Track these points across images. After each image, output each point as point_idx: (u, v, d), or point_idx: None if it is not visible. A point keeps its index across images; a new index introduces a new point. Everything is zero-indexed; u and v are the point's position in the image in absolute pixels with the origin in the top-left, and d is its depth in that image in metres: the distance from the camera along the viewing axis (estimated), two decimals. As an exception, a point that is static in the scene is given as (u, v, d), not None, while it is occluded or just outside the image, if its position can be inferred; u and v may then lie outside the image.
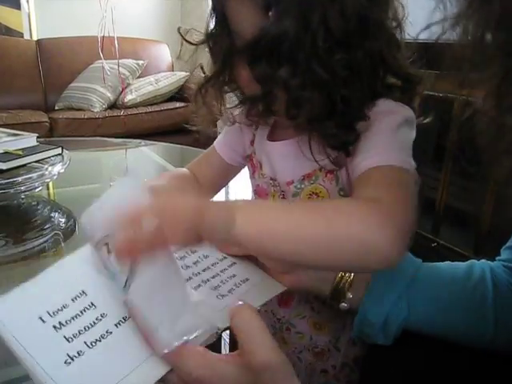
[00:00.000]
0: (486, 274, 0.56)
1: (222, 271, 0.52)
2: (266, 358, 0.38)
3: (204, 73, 0.63)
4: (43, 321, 0.42)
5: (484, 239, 1.51)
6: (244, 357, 0.38)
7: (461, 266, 0.59)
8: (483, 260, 0.59)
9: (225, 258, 0.54)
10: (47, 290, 0.45)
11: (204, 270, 0.51)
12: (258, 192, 0.68)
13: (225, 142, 0.73)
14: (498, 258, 0.59)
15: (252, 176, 0.70)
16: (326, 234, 0.41)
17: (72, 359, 0.39)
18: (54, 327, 0.41)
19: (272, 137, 0.65)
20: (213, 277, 0.51)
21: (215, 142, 0.74)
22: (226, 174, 0.74)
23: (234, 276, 0.52)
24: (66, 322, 0.42)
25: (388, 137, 0.52)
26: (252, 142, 0.69)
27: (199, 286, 0.49)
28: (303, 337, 0.67)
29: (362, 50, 0.50)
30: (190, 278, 0.49)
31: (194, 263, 0.52)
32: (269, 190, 0.65)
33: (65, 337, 0.41)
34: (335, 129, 0.51)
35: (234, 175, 0.75)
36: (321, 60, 0.48)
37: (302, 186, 0.60)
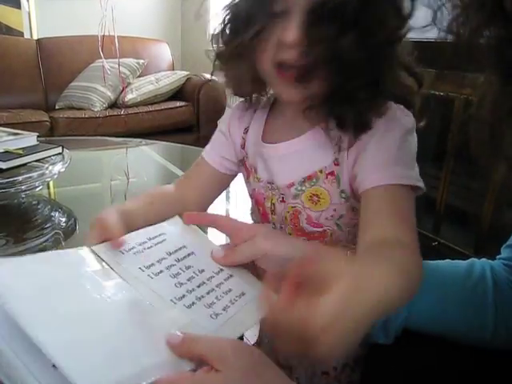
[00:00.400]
0: (486, 272, 0.56)
1: (217, 286, 0.52)
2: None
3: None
4: None
5: (484, 238, 1.51)
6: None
7: (461, 264, 0.59)
8: (484, 259, 0.59)
9: (221, 270, 0.54)
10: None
11: (199, 286, 0.51)
12: (254, 196, 0.67)
13: (213, 150, 0.71)
14: (498, 256, 0.59)
15: (247, 180, 0.69)
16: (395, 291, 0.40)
17: None
18: None
19: (267, 139, 0.65)
20: (207, 292, 0.50)
21: (203, 152, 0.72)
22: (218, 184, 0.71)
23: (230, 291, 0.51)
24: None
25: (394, 151, 0.53)
26: (242, 146, 0.68)
27: (193, 303, 0.48)
28: None
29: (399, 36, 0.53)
30: (184, 296, 0.49)
31: (189, 279, 0.51)
32: (266, 194, 0.64)
33: None
34: (363, 104, 0.53)
35: (227, 184, 0.73)
36: (375, 29, 0.49)
37: (303, 187, 0.60)
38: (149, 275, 0.50)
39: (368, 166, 0.54)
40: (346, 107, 0.53)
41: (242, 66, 0.58)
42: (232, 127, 0.69)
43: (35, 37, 3.42)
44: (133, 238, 0.54)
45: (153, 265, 0.51)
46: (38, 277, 0.44)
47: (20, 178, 1.20)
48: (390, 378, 0.56)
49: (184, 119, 3.13)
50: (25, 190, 1.23)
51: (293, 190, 0.61)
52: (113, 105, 3.10)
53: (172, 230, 0.58)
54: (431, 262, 0.58)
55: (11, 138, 1.39)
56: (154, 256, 0.53)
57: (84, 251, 0.51)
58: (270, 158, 0.63)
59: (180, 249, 0.55)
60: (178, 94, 3.25)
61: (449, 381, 0.54)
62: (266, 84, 0.63)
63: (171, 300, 0.48)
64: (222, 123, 0.71)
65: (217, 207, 0.75)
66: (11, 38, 3.25)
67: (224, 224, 0.59)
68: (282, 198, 0.62)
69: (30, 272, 0.45)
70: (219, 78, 0.65)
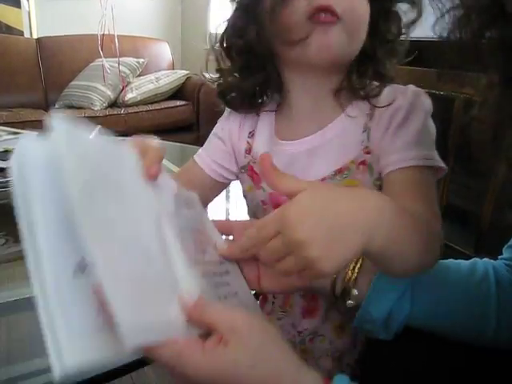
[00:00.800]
0: (489, 271, 0.56)
1: (220, 274, 0.50)
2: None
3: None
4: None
5: (485, 237, 1.51)
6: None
7: (464, 263, 0.59)
8: (486, 259, 0.59)
9: (222, 263, 0.52)
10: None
11: (208, 264, 0.49)
12: (271, 201, 0.63)
13: (208, 155, 0.68)
14: (500, 256, 0.59)
15: (256, 187, 0.65)
16: (422, 241, 0.46)
17: None
18: None
19: (283, 137, 0.63)
20: (214, 274, 0.49)
21: (195, 156, 0.69)
22: (209, 189, 0.68)
23: (228, 285, 0.50)
24: None
25: (418, 133, 0.55)
26: (248, 151, 0.65)
27: (203, 276, 0.46)
28: (324, 339, 0.64)
29: None
30: (199, 264, 0.47)
31: (201, 252, 0.50)
32: None
33: None
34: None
35: (218, 193, 0.70)
36: None
37: (334, 181, 0.58)
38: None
39: (393, 148, 0.55)
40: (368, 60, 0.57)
41: (253, 56, 0.59)
42: (232, 134, 0.67)
43: (35, 36, 3.42)
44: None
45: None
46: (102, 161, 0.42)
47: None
48: (390, 374, 0.56)
49: (184, 118, 3.13)
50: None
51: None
52: (113, 104, 3.10)
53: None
54: None
55: (11, 137, 1.39)
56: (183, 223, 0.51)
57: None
58: (293, 155, 0.61)
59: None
60: (177, 93, 3.25)
61: (448, 378, 0.54)
62: (271, 83, 0.62)
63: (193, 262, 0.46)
64: (219, 129, 0.69)
65: (217, 207, 0.73)
66: (11, 37, 3.25)
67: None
68: None
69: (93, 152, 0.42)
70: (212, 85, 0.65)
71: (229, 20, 0.62)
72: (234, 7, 0.61)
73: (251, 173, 0.65)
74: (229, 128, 0.67)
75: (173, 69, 3.59)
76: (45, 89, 3.19)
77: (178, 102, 3.16)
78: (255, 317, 0.42)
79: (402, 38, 0.59)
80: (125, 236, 0.40)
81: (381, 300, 0.54)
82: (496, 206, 1.44)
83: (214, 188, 0.69)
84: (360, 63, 0.58)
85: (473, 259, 0.59)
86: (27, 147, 0.39)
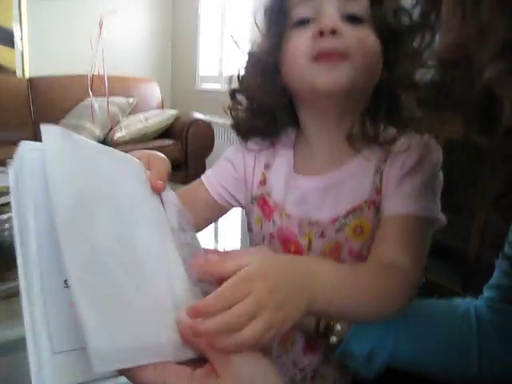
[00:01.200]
0: (470, 312, 0.56)
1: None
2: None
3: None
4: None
5: (471, 274, 1.52)
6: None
7: (446, 303, 0.59)
8: (468, 298, 0.59)
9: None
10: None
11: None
12: (281, 236, 0.62)
13: (216, 178, 0.68)
14: (481, 296, 0.59)
15: (265, 220, 0.64)
16: (374, 295, 0.49)
17: None
18: None
19: (300, 171, 0.63)
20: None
21: (203, 176, 0.69)
22: (211, 212, 0.68)
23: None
24: None
25: (422, 182, 0.56)
26: (263, 182, 0.65)
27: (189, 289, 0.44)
28: (327, 379, 0.63)
29: None
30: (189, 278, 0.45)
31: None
32: (301, 230, 0.60)
33: None
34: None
35: (218, 216, 0.70)
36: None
37: (347, 220, 0.58)
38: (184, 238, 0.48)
39: (396, 193, 0.56)
40: (383, 100, 0.57)
41: (268, 87, 0.60)
42: (246, 163, 0.66)
43: (27, 75, 3.46)
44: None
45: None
46: (92, 169, 0.41)
47: (5, 216, 1.19)
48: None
49: (172, 157, 3.08)
50: (9, 228, 1.21)
51: (336, 224, 0.58)
52: (102, 142, 3.10)
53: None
54: (416, 300, 0.59)
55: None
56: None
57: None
58: (307, 190, 0.61)
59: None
60: (166, 132, 3.27)
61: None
62: (284, 114, 0.63)
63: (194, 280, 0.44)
64: (232, 154, 0.68)
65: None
66: (2, 76, 3.28)
67: None
68: (322, 232, 0.59)
69: (85, 160, 0.42)
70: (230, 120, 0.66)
71: (244, 68, 0.64)
72: (247, 59, 0.64)
73: (263, 204, 0.65)
74: (243, 156, 0.67)
75: (162, 108, 3.63)
76: (34, 127, 3.21)
77: (167, 141, 3.18)
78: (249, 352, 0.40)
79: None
80: (115, 252, 0.38)
81: (363, 336, 0.54)
82: (481, 242, 1.45)
83: (217, 211, 0.69)
84: (375, 105, 0.58)
85: (454, 299, 0.59)
86: (25, 154, 0.40)
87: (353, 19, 0.55)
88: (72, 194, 0.37)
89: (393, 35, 0.56)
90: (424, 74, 0.57)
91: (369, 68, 0.55)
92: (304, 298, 0.42)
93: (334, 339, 0.55)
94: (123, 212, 0.42)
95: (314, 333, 0.56)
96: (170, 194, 0.50)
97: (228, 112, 0.66)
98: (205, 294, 0.41)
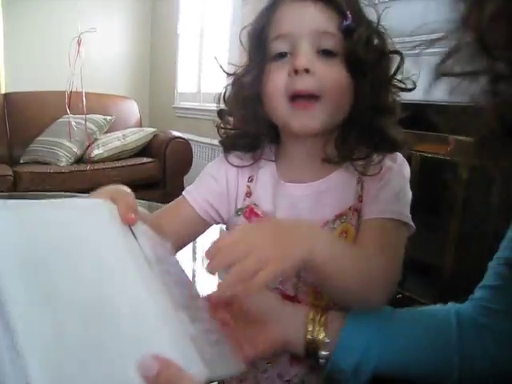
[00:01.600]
0: (450, 316, 0.58)
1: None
2: None
3: None
4: None
5: (445, 290, 1.54)
6: None
7: (426, 311, 0.61)
8: (450, 303, 0.61)
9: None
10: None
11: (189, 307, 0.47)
12: None
13: (199, 194, 0.68)
14: (471, 296, 0.60)
15: None
16: (362, 273, 0.54)
17: None
18: None
19: (287, 179, 0.66)
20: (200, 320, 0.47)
21: (184, 192, 0.69)
22: (195, 227, 0.68)
23: (209, 331, 0.47)
24: None
25: (397, 192, 0.61)
26: (248, 194, 0.67)
27: (193, 320, 0.45)
28: None
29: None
30: (186, 308, 0.45)
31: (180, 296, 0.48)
32: None
33: None
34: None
35: (200, 233, 0.70)
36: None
37: (335, 225, 0.62)
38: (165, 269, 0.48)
39: (375, 200, 0.61)
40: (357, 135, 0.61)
41: (250, 112, 0.64)
42: (229, 177, 0.68)
43: (3, 91, 3.42)
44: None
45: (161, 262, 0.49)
46: (40, 230, 0.41)
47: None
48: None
49: (150, 175, 3.12)
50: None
51: (326, 229, 0.62)
52: (79, 160, 3.09)
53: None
54: (398, 309, 0.60)
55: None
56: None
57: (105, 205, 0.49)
58: (297, 197, 0.64)
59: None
60: (144, 150, 3.26)
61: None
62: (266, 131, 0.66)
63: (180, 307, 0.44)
64: (214, 169, 0.70)
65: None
66: (-23, 93, 3.25)
67: None
68: None
69: (33, 223, 0.42)
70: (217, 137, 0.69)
71: (228, 91, 0.68)
72: (230, 85, 0.68)
73: (250, 214, 0.66)
74: (225, 169, 0.69)
75: (140, 126, 3.62)
76: (10, 143, 3.17)
77: (145, 159, 3.16)
78: None
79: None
80: (75, 299, 0.39)
81: (348, 353, 0.55)
82: (456, 257, 1.48)
83: (201, 227, 0.70)
84: (348, 128, 0.62)
85: (435, 306, 0.61)
86: None
87: (327, 53, 0.59)
88: (20, 258, 0.38)
89: (362, 66, 0.59)
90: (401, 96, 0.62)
91: (341, 103, 0.60)
92: (305, 244, 0.49)
93: (322, 355, 0.56)
94: (91, 262, 0.43)
95: (304, 352, 0.57)
96: (141, 227, 0.50)
97: (216, 129, 0.69)
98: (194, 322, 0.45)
